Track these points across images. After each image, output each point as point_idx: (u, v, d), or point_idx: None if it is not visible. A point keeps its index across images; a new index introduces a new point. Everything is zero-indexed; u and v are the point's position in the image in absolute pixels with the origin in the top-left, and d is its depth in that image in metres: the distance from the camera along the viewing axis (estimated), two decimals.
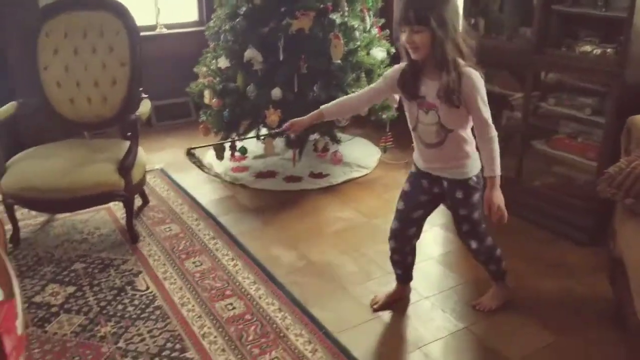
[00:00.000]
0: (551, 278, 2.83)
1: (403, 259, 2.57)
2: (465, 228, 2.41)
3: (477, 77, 2.09)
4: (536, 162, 3.45)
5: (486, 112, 2.12)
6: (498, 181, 2.16)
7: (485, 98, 2.12)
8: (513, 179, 3.41)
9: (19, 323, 1.62)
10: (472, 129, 2.22)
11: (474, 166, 2.27)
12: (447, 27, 2.01)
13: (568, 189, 3.31)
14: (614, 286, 2.51)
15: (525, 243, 3.14)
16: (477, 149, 2.24)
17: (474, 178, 2.28)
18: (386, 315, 2.56)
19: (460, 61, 2.08)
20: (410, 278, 2.65)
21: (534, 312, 2.56)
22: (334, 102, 2.40)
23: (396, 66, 2.28)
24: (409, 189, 2.43)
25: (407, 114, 2.29)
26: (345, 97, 2.41)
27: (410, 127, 2.30)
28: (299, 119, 2.37)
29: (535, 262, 2.96)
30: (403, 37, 2.07)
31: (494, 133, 2.15)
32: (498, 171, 2.15)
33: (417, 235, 2.52)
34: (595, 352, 2.33)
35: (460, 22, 2.09)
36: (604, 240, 2.72)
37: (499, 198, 2.16)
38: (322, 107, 2.38)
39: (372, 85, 2.38)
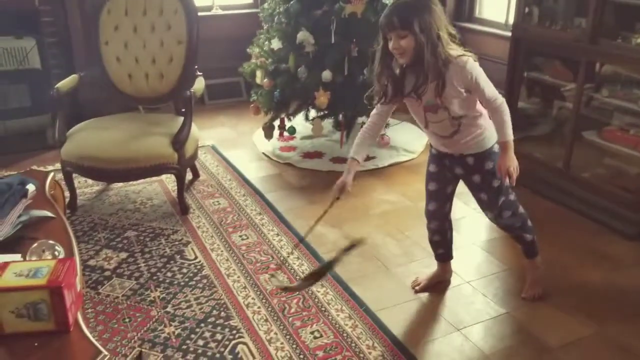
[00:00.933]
0: (596, 269, 2.80)
1: (444, 237, 2.61)
2: (501, 199, 2.37)
3: (471, 65, 2.10)
4: (586, 153, 3.40)
5: (488, 89, 2.14)
6: (510, 145, 2.18)
7: (483, 76, 2.13)
8: (561, 169, 3.38)
9: (77, 280, 1.72)
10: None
11: (492, 134, 2.28)
12: (429, 32, 2.02)
13: (618, 182, 3.25)
14: None
15: (571, 234, 3.11)
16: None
17: (496, 145, 2.29)
18: (427, 296, 2.60)
19: (451, 53, 2.08)
20: (451, 256, 2.67)
21: (577, 302, 2.55)
22: (356, 145, 2.34)
23: (376, 88, 2.26)
24: (435, 169, 2.45)
25: (413, 116, 2.31)
26: (362, 134, 2.35)
27: (422, 126, 2.33)
28: (343, 180, 2.30)
29: (581, 253, 2.93)
30: (389, 44, 2.09)
31: (500, 100, 2.17)
32: (510, 136, 2.18)
33: (451, 209, 2.55)
34: (637, 343, 2.30)
35: (445, 30, 2.07)
36: None
37: (509, 161, 2.19)
38: (351, 156, 2.33)
39: (374, 112, 2.34)
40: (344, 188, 2.29)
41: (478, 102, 2.22)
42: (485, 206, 2.44)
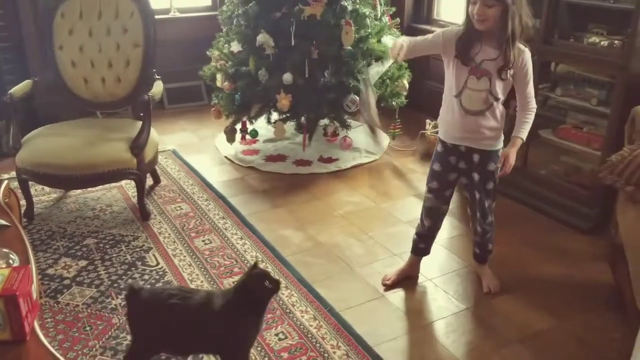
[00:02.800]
0: (553, 264, 2.87)
1: (432, 234, 2.68)
2: (488, 203, 2.51)
3: (528, 54, 2.26)
4: (543, 151, 3.49)
5: (532, 86, 2.34)
6: (520, 144, 2.37)
7: (532, 74, 2.31)
8: (520, 167, 3.45)
9: (33, 288, 1.68)
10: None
11: (501, 138, 2.42)
12: (518, 5, 2.13)
13: (573, 178, 3.35)
14: (614, 272, 2.55)
15: (529, 229, 3.19)
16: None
17: (500, 150, 2.41)
18: (390, 295, 2.62)
19: (516, 37, 2.19)
20: (429, 251, 2.73)
21: (535, 297, 2.61)
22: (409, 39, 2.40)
23: (453, 28, 2.36)
24: (440, 168, 2.52)
25: (452, 79, 2.35)
26: (416, 38, 2.40)
27: (453, 93, 2.36)
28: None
29: (538, 248, 3.01)
30: (474, 8, 2.16)
31: (535, 105, 2.37)
32: (525, 136, 2.36)
33: (447, 211, 2.64)
34: (595, 335, 2.37)
35: (525, 3, 2.19)
36: (607, 229, 2.75)
37: (514, 157, 2.38)
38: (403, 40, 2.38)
39: (428, 37, 2.40)
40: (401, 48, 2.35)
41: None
42: (475, 206, 2.55)
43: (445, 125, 2.47)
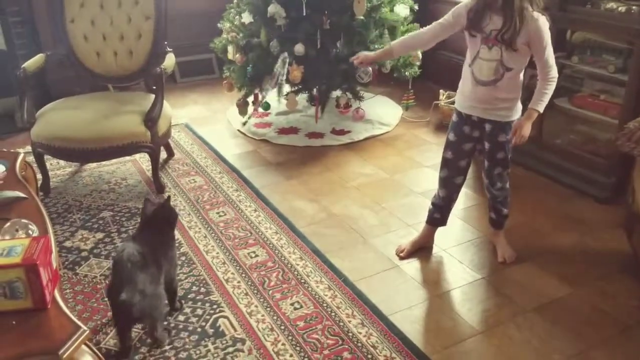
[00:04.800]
0: (569, 233, 2.86)
1: (448, 205, 2.67)
2: (497, 171, 2.51)
3: (543, 22, 2.19)
4: (558, 120, 3.45)
5: (550, 55, 2.26)
6: (535, 115, 2.32)
7: (549, 39, 2.23)
8: (535, 136, 3.41)
9: (53, 258, 1.70)
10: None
11: (518, 109, 2.39)
12: None
13: (589, 147, 3.31)
14: (631, 240, 2.54)
15: (545, 199, 3.17)
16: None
17: (515, 121, 2.38)
18: (404, 265, 2.63)
19: (529, 6, 2.16)
20: (445, 222, 2.73)
21: (550, 265, 2.61)
22: (401, 38, 2.54)
23: (462, 3, 2.33)
24: (455, 138, 2.51)
25: (468, 49, 2.36)
26: (412, 33, 2.54)
27: (468, 62, 2.36)
28: (367, 52, 2.55)
29: (553, 217, 2.99)
30: None
31: (556, 75, 2.29)
32: (542, 108, 2.31)
33: (464, 182, 2.63)
34: (611, 303, 2.37)
35: None
36: (624, 198, 2.73)
37: (529, 129, 2.33)
38: (391, 43, 2.52)
39: (438, 21, 2.41)
40: (362, 59, 2.51)
41: (523, 72, 2.31)
42: (484, 172, 2.56)
43: (460, 94, 2.46)
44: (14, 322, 1.49)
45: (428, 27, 2.44)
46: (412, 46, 2.56)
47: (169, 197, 2.28)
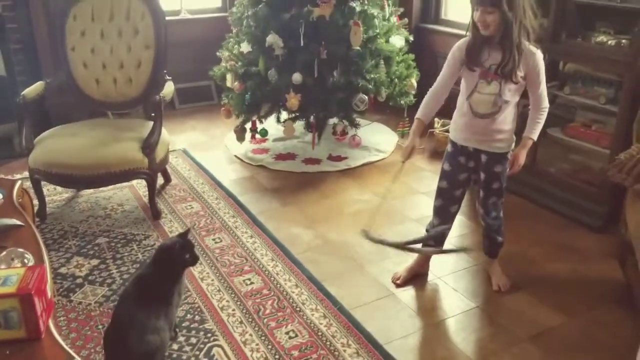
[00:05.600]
0: (563, 261, 2.88)
1: (442, 233, 2.69)
2: (492, 200, 2.54)
3: (540, 55, 2.27)
4: (552, 149, 3.49)
5: (544, 88, 2.34)
6: (530, 144, 2.39)
7: (544, 74, 2.31)
8: (529, 165, 3.45)
9: (48, 287, 1.71)
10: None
11: (512, 140, 2.43)
12: (517, 9, 2.15)
13: (582, 176, 3.35)
14: (624, 269, 2.55)
15: (538, 227, 3.19)
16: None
17: (510, 152, 2.43)
18: (400, 293, 2.63)
19: (524, 40, 2.21)
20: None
21: (544, 294, 2.61)
22: (422, 105, 2.46)
23: (459, 42, 2.39)
24: (450, 168, 2.54)
25: (464, 82, 2.39)
26: (428, 95, 2.46)
27: (464, 95, 2.40)
28: (410, 144, 2.45)
29: (547, 246, 3.01)
30: (476, 15, 2.21)
31: (547, 105, 2.38)
32: (536, 136, 2.39)
33: (458, 210, 2.65)
34: (604, 332, 2.37)
35: (529, 4, 2.20)
36: (616, 227, 2.75)
37: (524, 157, 2.41)
38: (417, 116, 2.47)
39: (443, 70, 2.43)
40: (413, 150, 2.46)
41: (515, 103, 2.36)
42: (479, 202, 2.59)
43: (455, 125, 2.49)
44: (7, 352, 1.49)
45: (438, 80, 2.44)
46: (436, 105, 2.47)
47: (188, 230, 2.21)
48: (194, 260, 2.12)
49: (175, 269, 2.11)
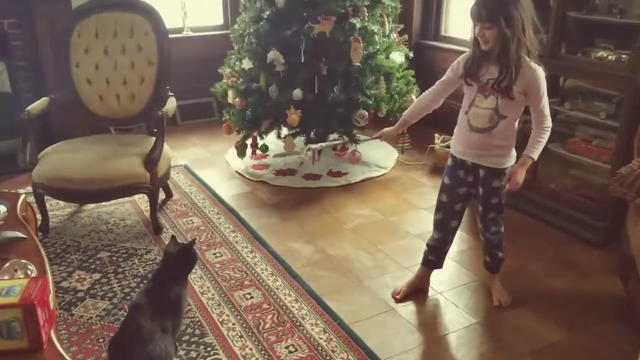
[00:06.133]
0: (564, 277, 2.88)
1: (443, 247, 2.70)
2: (491, 215, 2.54)
3: (540, 72, 2.26)
4: (552, 164, 3.50)
5: (546, 105, 2.31)
6: (529, 163, 2.36)
7: (546, 91, 2.29)
8: (529, 180, 3.46)
9: (50, 298, 1.72)
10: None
11: (511, 157, 2.43)
12: (515, 26, 2.15)
13: (583, 192, 3.35)
14: (625, 284, 2.55)
15: (539, 243, 3.20)
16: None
17: (510, 168, 2.42)
18: (400, 308, 2.63)
19: (525, 56, 2.22)
20: (441, 265, 2.75)
21: (545, 310, 2.61)
22: (411, 106, 2.60)
23: (460, 57, 2.42)
24: (449, 182, 2.56)
25: (464, 97, 2.42)
26: (419, 98, 2.58)
27: (464, 109, 2.42)
28: (388, 129, 2.63)
29: (548, 261, 3.01)
30: (476, 30, 2.23)
31: (550, 124, 2.35)
32: (536, 156, 2.36)
33: (459, 225, 2.65)
34: (605, 348, 2.37)
35: (530, 20, 2.21)
36: (617, 242, 2.76)
37: (522, 176, 2.38)
38: (404, 114, 2.60)
39: (440, 79, 2.49)
40: (382, 135, 2.63)
41: (517, 120, 2.36)
42: (479, 217, 2.60)
43: (455, 139, 2.52)
44: None
45: (432, 87, 2.51)
46: (422, 109, 2.55)
47: (194, 240, 2.31)
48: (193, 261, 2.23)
49: (184, 269, 2.21)
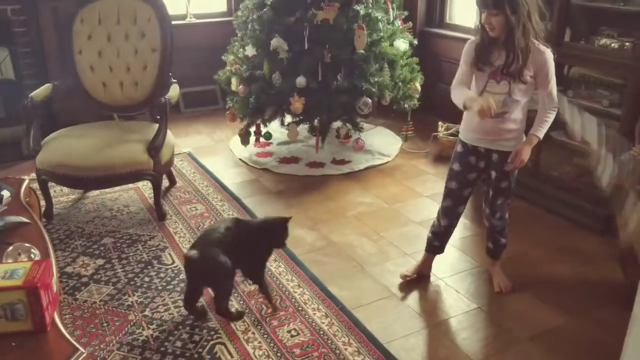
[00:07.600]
0: (565, 263, 2.89)
1: (448, 233, 2.71)
2: (500, 200, 2.55)
3: (549, 54, 2.28)
4: (555, 152, 3.50)
5: (554, 87, 2.34)
6: (535, 141, 2.40)
7: (554, 74, 2.31)
8: (532, 168, 3.47)
9: (54, 281, 1.74)
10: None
11: (522, 139, 2.44)
12: (521, 13, 2.16)
13: (585, 179, 3.35)
14: (625, 270, 2.56)
15: (541, 230, 3.20)
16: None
17: (516, 146, 2.42)
18: (401, 294, 2.65)
19: (533, 39, 2.23)
20: (443, 250, 2.76)
21: (545, 295, 2.63)
22: (457, 94, 2.39)
23: (468, 42, 2.41)
24: (459, 168, 2.55)
25: (474, 82, 2.41)
26: (456, 88, 2.42)
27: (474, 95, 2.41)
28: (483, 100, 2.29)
29: (550, 248, 3.02)
30: (482, 17, 2.24)
31: (557, 105, 2.38)
32: (542, 135, 2.40)
33: (463, 211, 2.67)
34: (605, 332, 2.38)
35: (536, 5, 2.22)
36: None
37: (528, 154, 2.41)
38: (459, 103, 2.37)
39: (458, 73, 2.44)
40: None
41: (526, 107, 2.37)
42: (486, 202, 2.60)
43: (465, 126, 2.51)
44: (13, 344, 1.52)
45: (458, 75, 2.43)
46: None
47: (289, 218, 2.54)
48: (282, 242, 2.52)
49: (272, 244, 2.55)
